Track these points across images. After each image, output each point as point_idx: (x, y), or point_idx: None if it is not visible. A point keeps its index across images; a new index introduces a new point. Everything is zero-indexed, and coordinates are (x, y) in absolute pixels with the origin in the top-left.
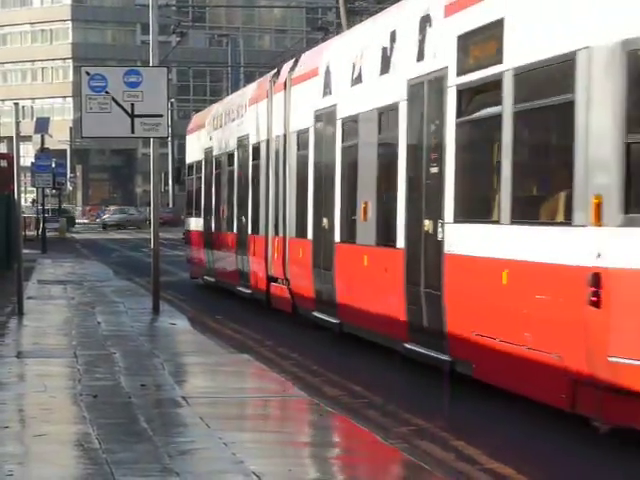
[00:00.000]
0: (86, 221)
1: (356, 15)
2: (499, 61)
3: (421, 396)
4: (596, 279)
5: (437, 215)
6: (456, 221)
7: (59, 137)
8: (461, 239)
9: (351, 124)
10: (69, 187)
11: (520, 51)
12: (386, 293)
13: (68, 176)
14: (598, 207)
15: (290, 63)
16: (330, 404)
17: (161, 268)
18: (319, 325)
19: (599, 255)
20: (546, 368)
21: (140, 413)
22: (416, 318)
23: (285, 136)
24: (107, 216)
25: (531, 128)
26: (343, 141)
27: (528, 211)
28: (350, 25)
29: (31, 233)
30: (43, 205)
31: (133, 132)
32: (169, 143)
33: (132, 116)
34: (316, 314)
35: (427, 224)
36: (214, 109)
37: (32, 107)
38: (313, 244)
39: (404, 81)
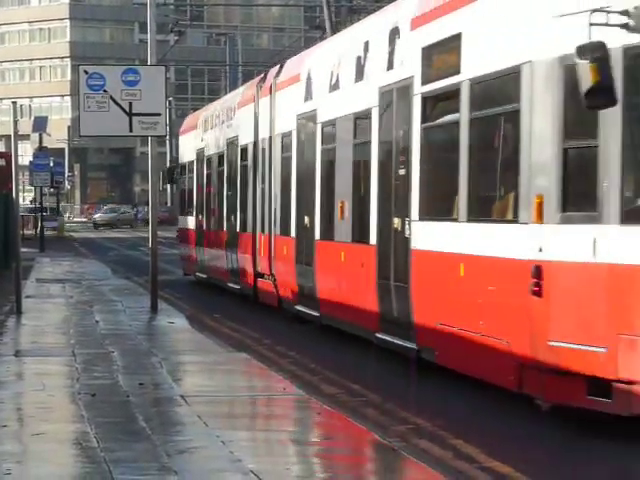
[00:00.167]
0: (84, 219)
1: (354, 14)
2: (457, 72)
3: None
4: (538, 271)
5: (405, 213)
6: (421, 219)
7: (57, 136)
8: (425, 236)
9: (330, 128)
10: (67, 186)
11: (475, 63)
12: (361, 287)
13: (66, 175)
14: (539, 206)
15: (276, 69)
16: (328, 402)
17: (159, 267)
18: (302, 318)
19: (541, 249)
20: (497, 353)
21: (138, 412)
22: (387, 310)
23: (271, 138)
24: (98, 215)
25: (484, 134)
26: (323, 144)
27: (482, 210)
28: (345, 25)
29: (29, 232)
30: (41, 204)
31: (131, 131)
32: (167, 142)
33: (130, 115)
34: (299, 308)
35: (396, 222)
36: (205, 111)
37: (30, 106)
38: (296, 241)
39: (376, 88)
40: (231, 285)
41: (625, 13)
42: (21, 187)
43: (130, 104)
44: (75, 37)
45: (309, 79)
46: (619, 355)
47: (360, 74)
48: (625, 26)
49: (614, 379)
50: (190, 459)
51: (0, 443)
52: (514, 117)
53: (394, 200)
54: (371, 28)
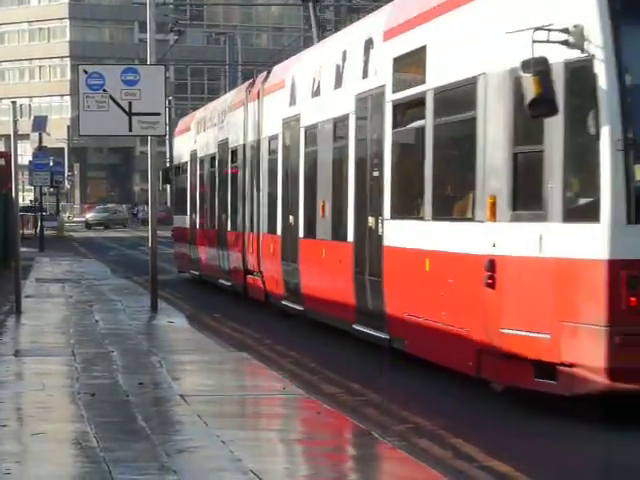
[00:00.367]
0: (84, 219)
1: (353, 13)
2: (423, 81)
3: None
4: (491, 265)
5: (378, 213)
6: (392, 218)
7: (57, 135)
8: (396, 233)
9: (312, 132)
10: (67, 185)
11: (438, 74)
12: (339, 282)
13: (66, 174)
14: (493, 205)
15: (264, 74)
16: (328, 401)
17: (159, 266)
18: (287, 312)
19: (494, 245)
20: (458, 341)
21: (138, 411)
22: (362, 302)
23: (258, 141)
24: (90, 215)
25: (446, 139)
26: (306, 147)
27: (444, 209)
28: (345, 24)
29: (29, 231)
30: (41, 204)
31: (131, 130)
32: (167, 141)
33: (130, 114)
34: (285, 303)
35: (370, 221)
36: (198, 114)
37: (30, 105)
38: (282, 239)
39: (352, 95)
40: (222, 282)
41: (565, 31)
42: (21, 187)
43: (130, 103)
44: (75, 37)
45: (293, 85)
46: (562, 341)
47: (339, 81)
48: (566, 43)
49: (558, 362)
50: (190, 458)
51: (0, 443)
52: (471, 124)
53: (369, 200)
54: (349, 38)
